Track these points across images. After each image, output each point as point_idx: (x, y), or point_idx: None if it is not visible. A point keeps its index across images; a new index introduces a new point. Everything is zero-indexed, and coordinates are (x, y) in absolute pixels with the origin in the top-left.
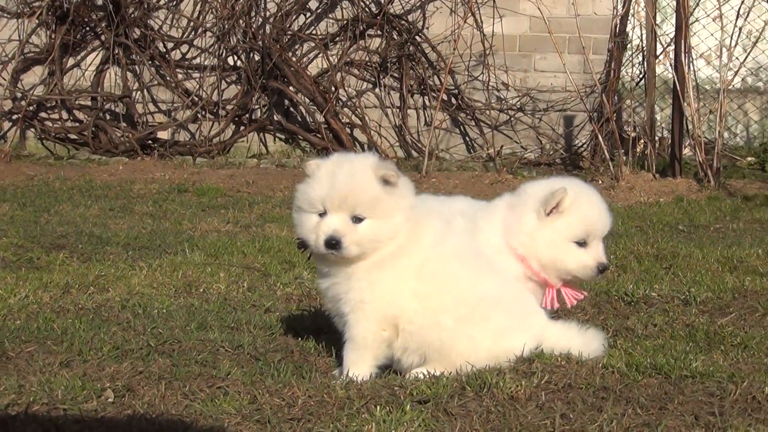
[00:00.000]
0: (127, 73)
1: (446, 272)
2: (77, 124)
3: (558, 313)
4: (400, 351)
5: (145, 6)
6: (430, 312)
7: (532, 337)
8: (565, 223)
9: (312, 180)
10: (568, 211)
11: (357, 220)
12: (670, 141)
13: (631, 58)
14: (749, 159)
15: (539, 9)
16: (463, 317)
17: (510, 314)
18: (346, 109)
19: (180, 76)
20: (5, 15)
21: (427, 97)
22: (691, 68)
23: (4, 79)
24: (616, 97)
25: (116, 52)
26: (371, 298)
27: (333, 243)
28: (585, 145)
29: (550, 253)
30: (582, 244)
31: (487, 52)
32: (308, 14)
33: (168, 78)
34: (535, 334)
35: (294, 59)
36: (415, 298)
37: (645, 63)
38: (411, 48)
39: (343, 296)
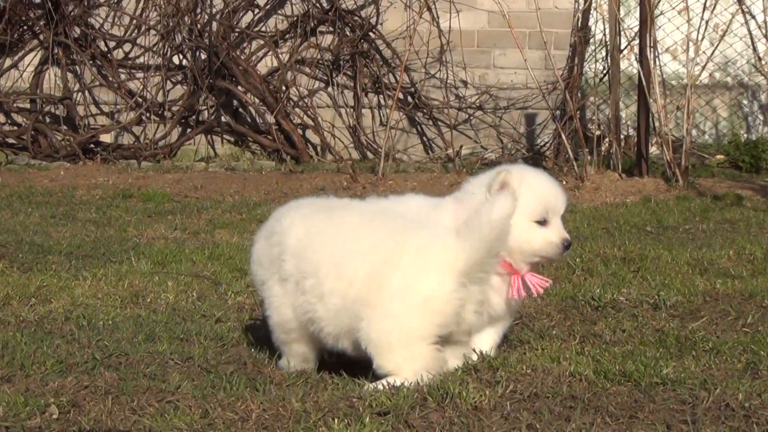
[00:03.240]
0: (68, 73)
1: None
2: (15, 127)
3: (522, 318)
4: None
5: (86, 3)
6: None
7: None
8: (522, 204)
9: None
10: (520, 191)
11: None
12: (636, 139)
13: (594, 54)
14: (718, 157)
15: (498, 3)
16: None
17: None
18: (297, 110)
19: (123, 77)
20: None
21: (382, 96)
22: (657, 63)
23: None
24: (579, 94)
25: (56, 51)
26: None
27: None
28: (548, 144)
29: (515, 235)
30: (542, 223)
31: (445, 48)
32: (256, 11)
33: (110, 78)
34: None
35: (242, 58)
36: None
37: (609, 58)
38: (365, 45)
39: None
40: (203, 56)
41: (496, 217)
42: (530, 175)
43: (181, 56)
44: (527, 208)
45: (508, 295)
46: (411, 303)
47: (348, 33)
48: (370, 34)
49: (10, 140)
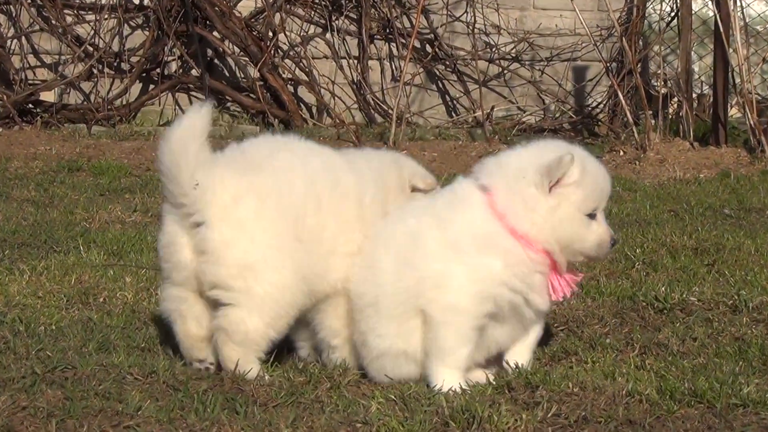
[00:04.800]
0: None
1: None
2: None
3: (567, 324)
4: None
5: None
6: None
7: None
8: (582, 196)
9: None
10: (581, 181)
11: None
12: (711, 99)
13: None
14: None
15: None
16: None
17: None
18: (288, 61)
19: (69, 19)
20: None
21: (393, 45)
22: (739, 3)
23: None
24: (640, 42)
25: None
26: None
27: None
28: (601, 105)
29: (572, 231)
30: (592, 216)
31: None
32: None
33: (54, 22)
34: None
35: None
36: None
37: None
38: None
39: None
40: None
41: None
42: (587, 159)
43: None
44: (586, 199)
45: (550, 295)
46: None
47: None
48: None
49: None
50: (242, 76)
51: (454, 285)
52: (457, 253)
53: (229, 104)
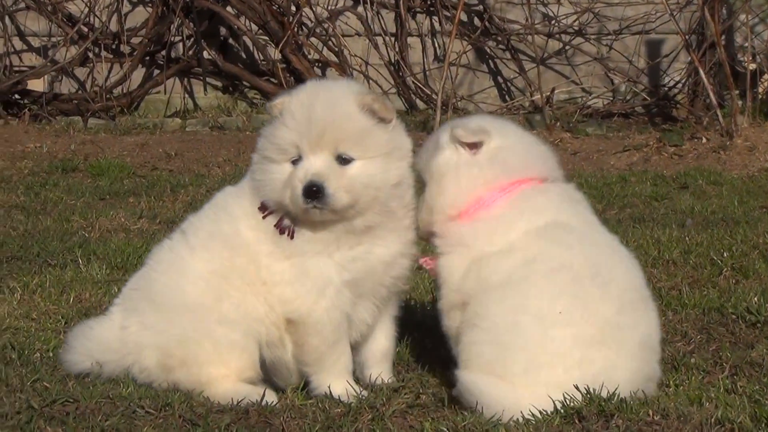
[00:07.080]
0: None
1: None
2: None
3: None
4: None
5: None
6: None
7: None
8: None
9: (281, 119)
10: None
11: (343, 161)
12: None
13: None
14: None
15: None
16: None
17: None
18: (314, 40)
19: None
20: None
21: (436, 19)
22: None
23: None
24: (724, 11)
25: None
26: None
27: (314, 190)
28: (679, 85)
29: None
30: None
31: None
32: None
33: None
34: None
35: None
36: None
37: None
38: None
39: None
40: None
41: None
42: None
43: None
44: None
45: None
46: None
47: None
48: None
49: None
50: (261, 57)
51: None
52: None
53: (246, 90)
